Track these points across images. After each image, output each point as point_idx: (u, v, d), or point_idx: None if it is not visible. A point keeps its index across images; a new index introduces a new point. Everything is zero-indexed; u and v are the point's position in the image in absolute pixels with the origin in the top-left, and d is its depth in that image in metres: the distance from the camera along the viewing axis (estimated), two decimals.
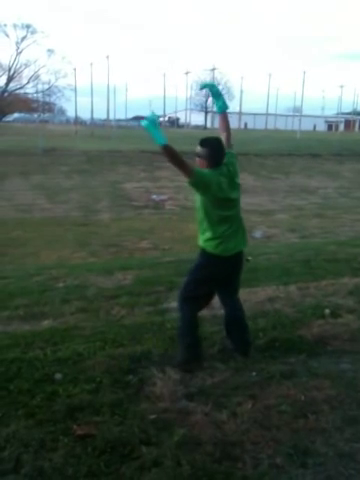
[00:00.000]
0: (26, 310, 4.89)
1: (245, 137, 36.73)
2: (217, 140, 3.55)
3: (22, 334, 4.19)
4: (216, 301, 4.98)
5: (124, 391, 3.20)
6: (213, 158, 3.49)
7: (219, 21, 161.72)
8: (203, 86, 4.05)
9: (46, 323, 4.51)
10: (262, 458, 2.58)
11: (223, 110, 3.85)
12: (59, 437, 2.70)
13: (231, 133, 3.87)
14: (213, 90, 3.85)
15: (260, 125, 63.79)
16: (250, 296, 5.14)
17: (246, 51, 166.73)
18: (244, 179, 23.25)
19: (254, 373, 3.46)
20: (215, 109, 3.91)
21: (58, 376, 3.38)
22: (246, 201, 18.11)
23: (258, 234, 11.97)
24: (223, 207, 3.52)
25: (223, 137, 3.73)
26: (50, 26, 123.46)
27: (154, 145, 3.33)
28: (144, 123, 3.27)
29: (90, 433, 2.72)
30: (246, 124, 68.72)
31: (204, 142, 3.51)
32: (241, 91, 48.53)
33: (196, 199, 3.57)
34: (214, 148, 3.51)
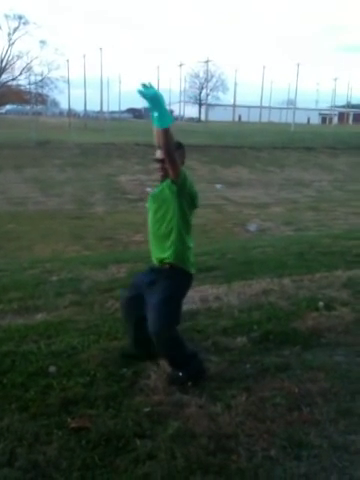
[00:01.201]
0: (20, 303, 4.88)
1: (239, 130, 36.67)
2: (180, 142, 3.34)
3: (16, 327, 4.18)
4: (210, 293, 5.01)
5: (118, 384, 3.19)
6: (183, 159, 3.25)
7: (213, 13, 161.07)
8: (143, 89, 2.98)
9: (40, 316, 4.50)
10: (256, 450, 2.58)
11: (162, 127, 3.00)
12: (53, 430, 2.70)
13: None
14: (149, 98, 2.91)
15: (254, 118, 63.53)
16: (245, 289, 5.15)
17: (240, 44, 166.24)
18: (239, 172, 23.40)
19: (248, 366, 3.46)
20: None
21: (52, 369, 3.37)
22: (241, 194, 18.21)
23: (253, 227, 11.99)
24: (192, 214, 3.28)
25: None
26: (42, 17, 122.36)
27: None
28: (151, 92, 2.82)
29: (84, 426, 2.72)
30: (240, 117, 68.54)
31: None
32: (235, 83, 48.25)
33: (157, 207, 3.22)
34: (183, 148, 3.31)
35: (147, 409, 2.90)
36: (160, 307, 3.14)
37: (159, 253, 3.25)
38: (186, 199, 3.18)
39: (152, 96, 2.85)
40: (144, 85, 2.87)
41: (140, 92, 2.85)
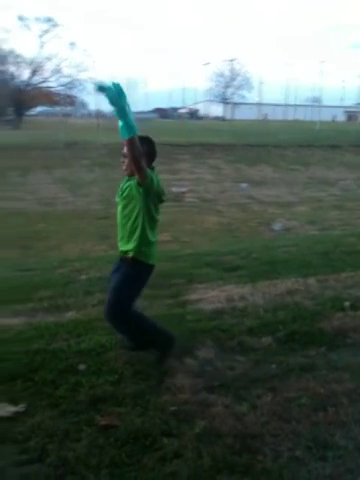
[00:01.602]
0: (50, 302, 4.98)
1: (264, 128, 36.46)
2: (150, 137, 3.48)
3: (46, 325, 4.28)
4: (235, 293, 5.03)
5: (145, 382, 3.25)
6: (151, 155, 3.40)
7: (239, 11, 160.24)
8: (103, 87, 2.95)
9: (70, 315, 4.59)
10: (282, 451, 2.60)
11: (126, 135, 3.06)
12: (83, 427, 2.77)
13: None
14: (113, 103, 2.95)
15: (279, 116, 63.10)
16: (270, 288, 5.16)
17: (265, 41, 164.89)
18: (263, 171, 23.26)
19: (274, 366, 3.49)
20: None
21: (82, 367, 3.45)
22: (265, 193, 18.10)
23: (277, 226, 11.91)
24: (158, 211, 3.48)
25: None
26: (71, 19, 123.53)
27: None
28: (115, 99, 2.83)
29: (113, 424, 2.78)
30: (266, 115, 68.10)
31: (140, 141, 3.19)
32: (260, 82, 48.17)
33: (125, 204, 3.40)
34: (150, 145, 3.41)
35: (174, 408, 2.95)
36: (114, 293, 3.45)
37: (123, 245, 3.49)
38: (152, 198, 3.38)
39: (118, 106, 2.93)
40: (99, 85, 2.92)
41: (99, 88, 2.90)
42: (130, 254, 3.44)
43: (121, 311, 3.44)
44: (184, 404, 3.00)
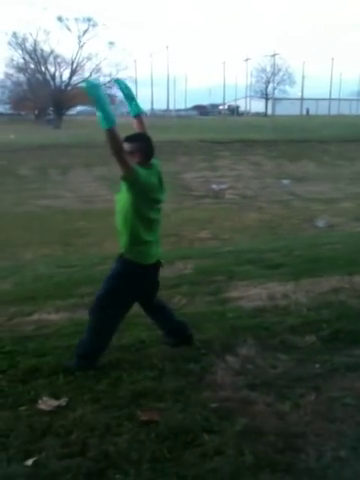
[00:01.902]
0: (91, 298, 4.98)
1: (307, 123, 35.87)
2: (146, 134, 3.41)
3: (88, 321, 4.32)
4: (277, 291, 4.96)
5: (186, 379, 3.23)
6: (145, 152, 3.30)
7: (281, 5, 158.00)
8: (116, 81, 3.83)
9: None
10: (325, 450, 2.53)
11: (137, 113, 3.65)
12: (124, 422, 2.77)
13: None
14: (124, 92, 3.65)
15: (323, 111, 61.98)
16: (313, 286, 5.05)
17: (308, 35, 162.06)
18: (305, 166, 22.88)
19: (317, 365, 3.40)
20: (131, 112, 3.70)
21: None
22: (308, 189, 17.82)
23: (321, 223, 11.70)
24: (152, 209, 3.34)
25: None
26: (111, 18, 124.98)
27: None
28: (91, 90, 2.91)
29: (154, 419, 2.78)
30: (308, 110, 66.92)
31: (133, 137, 3.31)
32: (303, 76, 47.37)
33: (118, 199, 3.33)
34: (145, 142, 3.33)
35: (214, 405, 2.92)
36: (100, 291, 3.45)
37: (119, 242, 3.42)
38: (140, 196, 3.23)
39: (94, 97, 2.90)
40: (87, 81, 3.00)
41: (84, 88, 2.93)
42: (120, 252, 3.41)
43: (97, 302, 3.44)
44: (225, 401, 2.97)
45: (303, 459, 2.48)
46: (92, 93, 2.92)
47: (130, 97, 3.67)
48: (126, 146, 3.21)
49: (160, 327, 3.79)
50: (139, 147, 3.28)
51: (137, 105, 3.64)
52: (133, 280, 3.39)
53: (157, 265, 3.52)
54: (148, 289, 3.56)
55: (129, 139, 3.29)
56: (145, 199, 3.27)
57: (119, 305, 3.44)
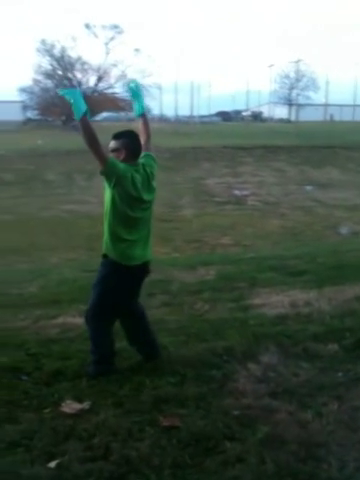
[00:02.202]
0: None
1: (331, 129, 35.57)
2: (133, 132, 3.41)
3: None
4: (300, 298, 4.93)
5: (208, 385, 3.24)
6: (130, 149, 3.30)
7: (303, 12, 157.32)
8: (129, 86, 3.84)
9: None
10: (348, 460, 2.51)
11: (141, 113, 3.70)
12: (146, 427, 2.79)
13: (151, 136, 3.68)
14: (133, 91, 3.71)
15: (347, 117, 61.35)
16: (336, 294, 5.01)
17: (332, 42, 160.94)
18: (329, 173, 22.68)
19: (340, 373, 3.37)
20: (135, 112, 3.75)
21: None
22: (331, 196, 17.66)
23: (344, 230, 11.58)
24: (133, 207, 3.27)
25: (143, 141, 3.52)
26: (137, 25, 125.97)
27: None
28: (62, 91, 3.16)
29: (175, 425, 2.79)
30: (332, 116, 66.34)
31: (119, 135, 3.35)
32: (327, 82, 47.03)
33: (105, 197, 3.32)
34: (131, 139, 3.34)
35: (236, 412, 2.92)
36: (91, 299, 3.44)
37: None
38: (119, 191, 3.21)
39: (65, 94, 3.11)
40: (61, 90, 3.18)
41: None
42: (103, 250, 3.40)
43: (89, 308, 3.45)
44: (247, 409, 2.96)
45: (325, 469, 2.46)
46: (66, 94, 3.12)
47: (137, 97, 3.70)
48: (112, 143, 3.31)
49: (125, 333, 3.65)
50: (124, 144, 3.30)
51: (142, 105, 3.69)
52: (119, 281, 3.35)
53: (144, 268, 3.46)
54: (131, 290, 3.51)
55: (115, 136, 3.35)
56: (124, 196, 3.23)
57: (111, 309, 3.42)
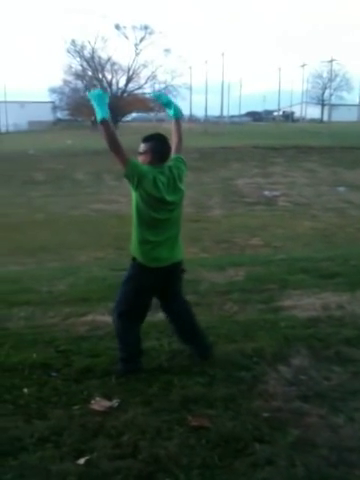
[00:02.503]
0: None
1: None
2: (161, 135, 3.40)
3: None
4: (332, 301, 4.84)
5: (237, 387, 3.21)
6: (157, 152, 3.32)
7: (336, 12, 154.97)
8: (155, 96, 3.98)
9: (161, 315, 4.61)
10: None
11: (176, 117, 3.72)
12: (174, 427, 2.78)
13: (182, 139, 3.72)
14: (162, 100, 3.77)
15: None
16: None
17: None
18: None
19: None
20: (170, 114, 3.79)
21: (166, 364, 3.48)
22: None
23: None
24: (157, 209, 3.26)
25: (174, 144, 3.58)
26: (167, 25, 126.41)
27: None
28: (90, 94, 3.25)
29: (204, 425, 2.77)
30: None
31: (148, 138, 3.38)
32: None
33: (132, 199, 3.35)
34: (159, 142, 3.35)
35: (266, 414, 2.88)
36: (116, 298, 3.50)
37: None
38: (141, 192, 3.23)
39: (90, 97, 3.23)
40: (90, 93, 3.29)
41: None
42: (130, 251, 3.43)
43: (115, 307, 3.48)
44: (277, 411, 2.92)
45: (357, 474, 2.42)
46: (92, 97, 3.24)
47: (166, 104, 3.77)
48: (141, 146, 3.37)
49: (175, 332, 3.75)
50: (151, 147, 3.33)
51: (176, 110, 3.74)
52: (144, 283, 3.38)
53: (173, 268, 3.45)
54: (163, 290, 3.53)
55: (144, 139, 3.40)
56: (147, 197, 3.24)
57: (135, 309, 3.45)
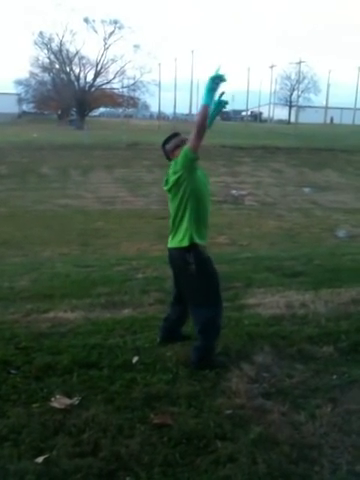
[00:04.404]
0: (107, 298, 5.04)
1: (330, 132, 35.61)
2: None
3: (103, 321, 4.32)
4: (296, 299, 4.89)
5: (200, 384, 3.20)
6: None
7: (306, 13, 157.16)
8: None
9: (126, 312, 4.61)
10: (341, 463, 2.48)
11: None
12: (136, 424, 2.75)
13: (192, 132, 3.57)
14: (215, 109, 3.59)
15: (347, 120, 61.34)
16: (333, 297, 4.98)
17: (334, 44, 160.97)
18: (328, 175, 22.73)
19: (335, 376, 3.34)
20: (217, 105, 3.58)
21: (135, 359, 3.47)
22: (329, 199, 17.65)
23: (342, 233, 11.56)
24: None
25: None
26: (137, 21, 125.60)
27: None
28: (215, 77, 3.21)
29: (166, 423, 2.75)
30: (332, 119, 66.39)
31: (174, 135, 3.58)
32: (328, 85, 47.04)
33: (172, 196, 3.44)
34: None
35: (229, 411, 2.88)
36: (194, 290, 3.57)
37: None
38: (194, 176, 3.44)
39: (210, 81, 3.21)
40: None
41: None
42: (186, 244, 3.46)
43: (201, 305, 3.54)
44: (239, 409, 2.92)
45: (317, 471, 2.43)
46: (214, 79, 3.20)
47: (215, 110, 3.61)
48: (177, 140, 3.50)
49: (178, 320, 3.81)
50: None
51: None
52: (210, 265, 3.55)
53: (169, 252, 3.55)
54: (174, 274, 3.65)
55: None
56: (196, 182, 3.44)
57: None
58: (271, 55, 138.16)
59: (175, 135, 3.58)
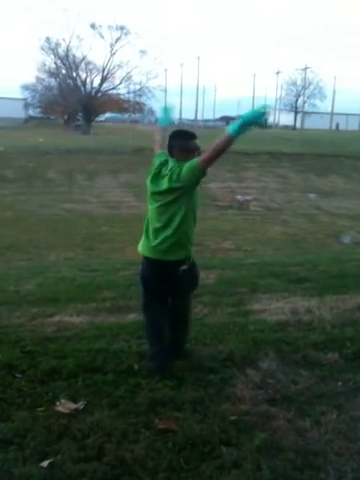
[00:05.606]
0: (112, 303, 5.04)
1: (336, 138, 35.60)
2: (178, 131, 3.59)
3: (108, 326, 4.32)
4: (301, 305, 4.88)
5: (205, 390, 3.19)
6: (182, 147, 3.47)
7: (314, 20, 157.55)
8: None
9: (131, 317, 4.61)
10: (346, 471, 2.47)
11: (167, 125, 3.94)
12: (141, 429, 2.74)
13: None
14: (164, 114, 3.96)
15: (353, 126, 61.46)
16: (338, 303, 4.96)
17: (341, 50, 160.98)
18: (333, 181, 22.69)
19: (340, 383, 3.33)
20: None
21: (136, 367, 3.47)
22: (334, 204, 17.65)
23: (347, 239, 11.55)
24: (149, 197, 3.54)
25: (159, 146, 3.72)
26: (143, 27, 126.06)
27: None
28: (255, 114, 3.13)
29: (171, 428, 2.74)
30: (338, 125, 66.43)
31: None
32: (333, 91, 47.08)
33: (170, 207, 3.36)
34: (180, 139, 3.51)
35: (234, 417, 2.87)
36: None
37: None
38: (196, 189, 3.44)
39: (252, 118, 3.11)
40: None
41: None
42: (186, 255, 3.47)
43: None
44: (244, 415, 2.92)
45: (322, 478, 2.42)
46: (257, 114, 3.11)
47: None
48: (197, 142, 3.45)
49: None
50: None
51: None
52: (142, 273, 3.53)
53: (162, 263, 3.40)
54: (169, 286, 3.50)
55: (194, 136, 3.51)
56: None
57: (145, 301, 3.58)
58: (274, 57, 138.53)
59: (195, 137, 3.50)
